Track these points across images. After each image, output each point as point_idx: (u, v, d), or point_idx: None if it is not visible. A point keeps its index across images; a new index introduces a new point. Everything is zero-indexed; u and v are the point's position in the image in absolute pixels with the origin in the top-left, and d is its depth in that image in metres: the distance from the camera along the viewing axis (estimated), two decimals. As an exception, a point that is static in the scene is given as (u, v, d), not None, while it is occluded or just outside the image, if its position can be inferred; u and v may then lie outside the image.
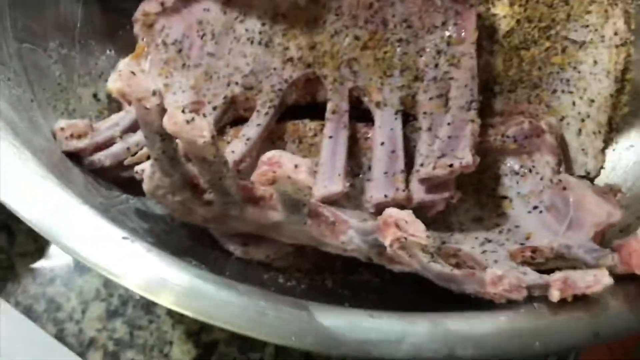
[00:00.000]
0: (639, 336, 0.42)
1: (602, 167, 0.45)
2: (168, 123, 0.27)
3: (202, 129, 0.27)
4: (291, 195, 0.29)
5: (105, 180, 0.40)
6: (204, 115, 0.41)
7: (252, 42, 0.43)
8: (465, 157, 0.35)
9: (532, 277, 0.30)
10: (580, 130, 0.44)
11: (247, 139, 0.39)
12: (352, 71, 0.42)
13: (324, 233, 0.35)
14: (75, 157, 0.40)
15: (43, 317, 0.47)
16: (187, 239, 0.39)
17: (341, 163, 0.38)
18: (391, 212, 0.30)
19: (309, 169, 0.27)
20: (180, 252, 0.36)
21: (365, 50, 0.42)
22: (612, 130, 0.47)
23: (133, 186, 0.40)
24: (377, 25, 0.42)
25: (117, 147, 0.39)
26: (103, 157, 0.39)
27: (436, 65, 0.41)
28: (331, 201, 0.37)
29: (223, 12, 0.44)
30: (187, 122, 0.27)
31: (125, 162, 0.38)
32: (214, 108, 0.41)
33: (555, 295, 0.29)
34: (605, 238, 0.34)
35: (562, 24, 0.46)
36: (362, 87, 0.42)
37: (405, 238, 0.29)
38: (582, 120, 0.44)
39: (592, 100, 0.45)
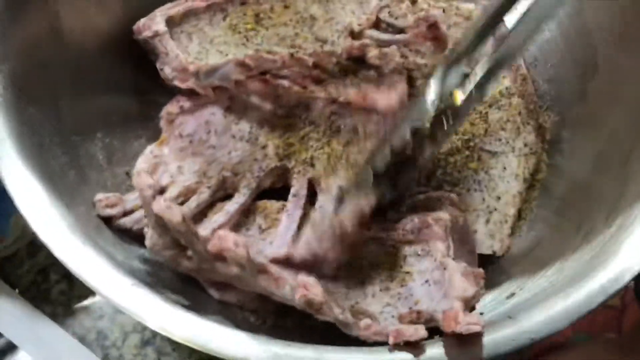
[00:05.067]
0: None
1: (508, 248, 0.56)
2: (155, 207, 0.42)
3: (176, 213, 0.41)
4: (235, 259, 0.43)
5: (129, 237, 0.52)
6: (201, 193, 0.54)
7: (242, 139, 0.55)
8: None
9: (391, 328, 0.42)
10: (488, 220, 0.55)
11: (227, 213, 0.52)
12: (312, 165, 0.54)
13: (270, 286, 0.46)
14: (108, 220, 0.51)
15: (93, 345, 0.60)
16: (179, 282, 0.50)
17: (290, 235, 0.50)
18: (302, 278, 0.43)
19: (244, 244, 0.41)
20: (174, 292, 0.48)
21: (322, 150, 0.54)
22: (521, 219, 0.57)
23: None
24: (333, 133, 0.54)
25: (137, 214, 0.52)
26: (127, 222, 0.51)
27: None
28: (279, 261, 0.48)
29: (224, 116, 0.56)
30: (167, 207, 0.41)
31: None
32: (209, 187, 0.54)
33: (390, 340, 0.41)
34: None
35: (480, 137, 0.57)
36: (317, 178, 0.53)
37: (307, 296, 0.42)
38: (490, 213, 0.55)
39: (499, 197, 0.56)
